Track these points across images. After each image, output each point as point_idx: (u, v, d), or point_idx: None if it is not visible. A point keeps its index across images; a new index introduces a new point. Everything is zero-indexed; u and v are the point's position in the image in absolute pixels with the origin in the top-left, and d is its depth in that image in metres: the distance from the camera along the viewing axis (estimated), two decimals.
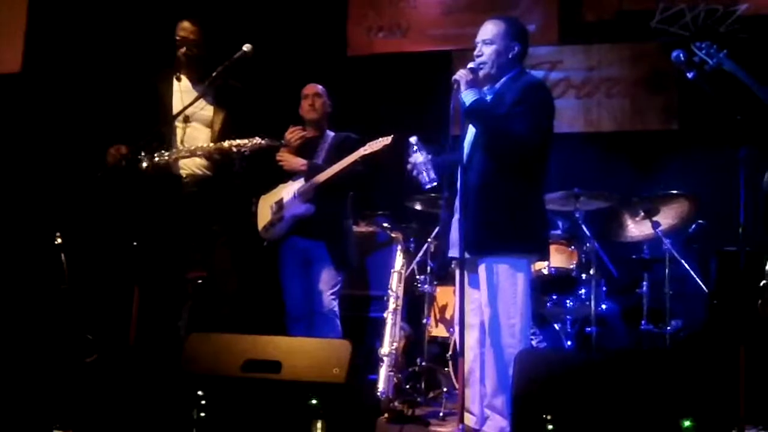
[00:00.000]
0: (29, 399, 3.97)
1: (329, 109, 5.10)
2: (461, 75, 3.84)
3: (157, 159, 4.27)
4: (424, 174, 3.91)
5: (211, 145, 4.35)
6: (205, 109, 4.43)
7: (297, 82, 5.20)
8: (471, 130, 3.94)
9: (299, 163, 4.88)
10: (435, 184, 3.91)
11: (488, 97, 3.91)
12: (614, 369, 2.94)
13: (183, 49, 4.42)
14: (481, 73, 3.90)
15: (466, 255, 3.72)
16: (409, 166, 3.97)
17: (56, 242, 4.87)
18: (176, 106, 4.37)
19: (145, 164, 4.24)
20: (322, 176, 4.78)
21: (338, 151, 4.89)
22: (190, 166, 4.40)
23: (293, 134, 4.87)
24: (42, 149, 6.29)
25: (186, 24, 4.45)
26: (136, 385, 3.84)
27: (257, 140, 4.28)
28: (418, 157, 3.93)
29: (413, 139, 3.97)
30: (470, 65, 3.90)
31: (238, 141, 4.28)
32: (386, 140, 4.60)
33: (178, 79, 4.44)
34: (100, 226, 5.70)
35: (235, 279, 4.44)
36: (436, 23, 6.83)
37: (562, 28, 6.54)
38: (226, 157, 4.33)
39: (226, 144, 4.30)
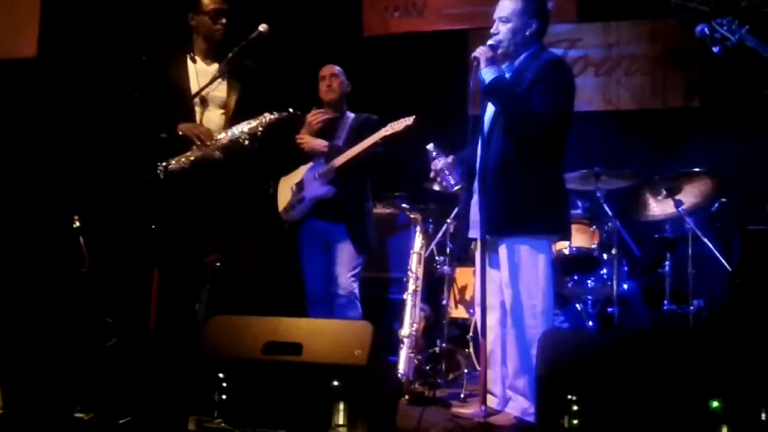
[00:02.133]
0: (50, 383, 3.98)
1: (348, 89, 5.06)
2: (481, 52, 3.79)
3: (174, 165, 4.19)
4: (449, 178, 3.94)
5: (226, 136, 4.25)
6: (218, 90, 4.35)
7: (313, 63, 5.17)
8: (490, 109, 3.89)
9: (320, 144, 4.85)
10: (460, 185, 3.93)
11: (507, 75, 3.86)
12: (641, 349, 2.90)
13: (223, 20, 4.30)
14: (498, 51, 3.85)
15: (487, 236, 3.69)
16: (431, 174, 4.00)
17: (75, 226, 4.86)
18: (194, 88, 4.30)
19: (162, 175, 4.18)
20: (343, 157, 4.75)
21: (359, 132, 4.86)
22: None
23: (315, 117, 4.83)
24: (59, 133, 6.29)
25: None
26: (156, 368, 3.83)
27: (266, 116, 4.20)
28: (438, 164, 3.96)
29: (430, 147, 4.00)
30: (489, 42, 3.84)
31: (248, 126, 4.21)
32: (408, 121, 4.56)
33: (194, 61, 4.37)
34: (119, 210, 5.69)
35: (250, 264, 4.41)
36: (452, 2, 6.76)
37: (581, 5, 6.46)
38: (237, 142, 4.26)
39: (237, 131, 4.21)
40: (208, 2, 4.32)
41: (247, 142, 4.21)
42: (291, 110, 4.28)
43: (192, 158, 4.21)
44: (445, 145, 4.06)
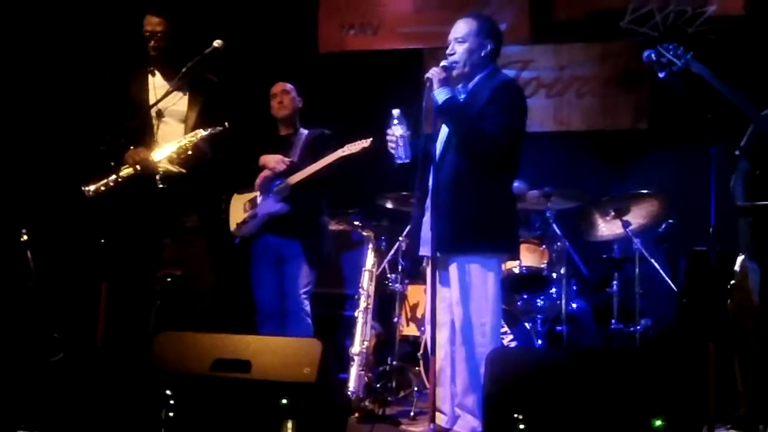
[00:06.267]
0: None
1: (299, 104, 5.07)
2: (434, 73, 3.83)
3: (96, 187, 4.16)
4: (401, 149, 3.87)
5: (160, 153, 4.25)
6: (179, 105, 4.31)
7: (269, 79, 5.17)
8: (443, 129, 3.93)
9: (282, 160, 4.86)
10: (407, 161, 3.86)
11: (461, 96, 3.91)
12: (586, 368, 2.95)
13: (152, 43, 4.31)
14: (454, 72, 3.89)
15: (438, 254, 3.71)
16: (387, 137, 3.91)
17: (22, 239, 4.79)
18: (152, 102, 4.26)
19: (92, 191, 4.16)
20: (299, 176, 4.78)
21: (313, 148, 4.90)
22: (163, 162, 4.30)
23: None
24: (8, 146, 6.19)
25: (152, 18, 4.31)
26: (104, 384, 3.79)
27: (199, 133, 4.18)
28: (398, 130, 3.87)
29: (396, 112, 3.90)
30: (443, 63, 3.88)
31: (178, 144, 4.18)
32: (365, 143, 4.61)
33: (152, 74, 4.34)
34: (67, 223, 5.62)
35: (212, 274, 4.35)
36: (407, 21, 6.81)
37: (534, 27, 6.55)
38: (193, 153, 4.24)
39: (168, 150, 4.20)
40: (144, 23, 4.33)
41: (178, 161, 4.19)
42: (226, 125, 4.24)
43: (120, 180, 4.17)
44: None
